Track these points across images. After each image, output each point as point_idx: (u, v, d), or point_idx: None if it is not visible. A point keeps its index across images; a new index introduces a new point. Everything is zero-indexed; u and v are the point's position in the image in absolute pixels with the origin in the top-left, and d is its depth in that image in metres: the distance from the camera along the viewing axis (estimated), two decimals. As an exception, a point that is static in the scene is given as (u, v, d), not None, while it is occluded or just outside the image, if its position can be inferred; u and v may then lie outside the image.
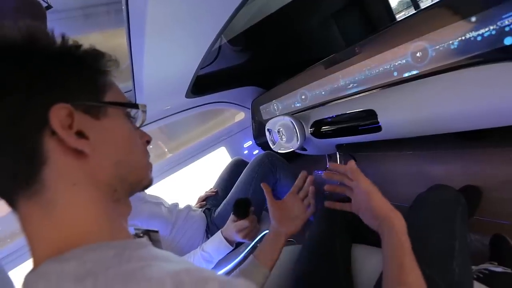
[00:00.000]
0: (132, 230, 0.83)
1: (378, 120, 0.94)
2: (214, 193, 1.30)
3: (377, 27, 2.08)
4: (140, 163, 0.40)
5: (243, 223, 0.81)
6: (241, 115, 1.72)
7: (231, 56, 1.58)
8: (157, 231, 0.43)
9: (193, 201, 1.33)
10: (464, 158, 1.07)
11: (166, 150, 1.63)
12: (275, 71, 1.66)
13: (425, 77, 0.83)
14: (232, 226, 0.83)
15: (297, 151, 1.48)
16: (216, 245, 0.84)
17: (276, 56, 1.70)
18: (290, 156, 1.64)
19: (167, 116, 1.39)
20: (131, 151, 0.38)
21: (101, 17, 0.99)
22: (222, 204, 1.13)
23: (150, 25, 0.62)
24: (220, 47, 1.50)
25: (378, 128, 0.95)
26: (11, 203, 0.31)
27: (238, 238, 0.82)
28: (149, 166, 0.42)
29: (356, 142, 1.19)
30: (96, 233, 0.32)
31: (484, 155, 1.03)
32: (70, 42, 0.35)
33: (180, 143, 1.63)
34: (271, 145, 1.46)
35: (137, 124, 0.42)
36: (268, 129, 1.44)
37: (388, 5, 2.07)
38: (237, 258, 0.92)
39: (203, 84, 1.40)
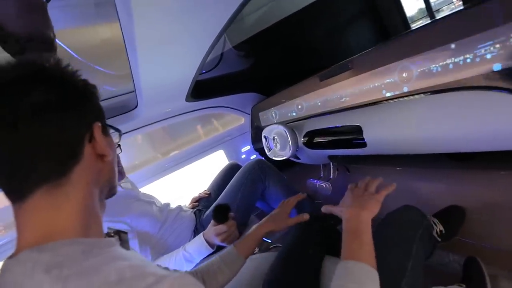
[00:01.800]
0: (105, 229, 0.90)
1: (363, 136, 0.96)
2: (207, 195, 1.35)
3: (382, 38, 2.09)
4: (115, 171, 0.48)
5: (222, 227, 0.85)
6: (241, 120, 1.76)
7: (234, 61, 1.63)
8: (126, 232, 0.48)
9: (187, 201, 1.38)
10: (451, 178, 1.08)
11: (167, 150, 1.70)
12: (276, 79, 1.70)
13: (410, 96, 0.85)
14: (212, 230, 0.87)
15: (292, 159, 1.52)
16: (198, 246, 0.89)
17: (279, 63, 1.73)
18: (287, 164, 1.67)
19: (168, 118, 1.45)
20: (115, 162, 0.47)
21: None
22: (211, 207, 1.17)
23: (141, 42, 0.68)
24: (222, 53, 1.55)
25: (364, 144, 0.97)
26: (25, 193, 0.35)
27: (217, 241, 0.86)
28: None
29: (348, 155, 1.21)
30: (77, 228, 0.36)
31: (470, 176, 1.03)
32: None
33: (180, 144, 1.68)
34: (266, 151, 1.50)
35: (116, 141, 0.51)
36: (264, 136, 1.48)
37: (401, 15, 2.07)
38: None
39: (203, 89, 1.46)
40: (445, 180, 1.10)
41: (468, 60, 0.68)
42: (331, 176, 1.48)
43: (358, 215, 0.58)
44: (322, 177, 1.55)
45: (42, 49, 0.70)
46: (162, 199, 1.23)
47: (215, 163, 1.68)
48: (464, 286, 0.73)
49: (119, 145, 1.07)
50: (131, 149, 1.54)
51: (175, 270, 0.58)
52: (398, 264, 0.55)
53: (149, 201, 1.10)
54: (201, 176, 1.60)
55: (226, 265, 0.69)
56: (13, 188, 0.35)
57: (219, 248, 0.94)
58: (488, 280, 0.74)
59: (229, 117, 1.80)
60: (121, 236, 0.47)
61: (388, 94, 0.90)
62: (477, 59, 0.66)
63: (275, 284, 0.70)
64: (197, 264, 0.93)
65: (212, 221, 0.88)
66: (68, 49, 1.11)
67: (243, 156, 1.78)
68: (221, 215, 0.85)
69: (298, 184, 1.79)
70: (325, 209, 0.74)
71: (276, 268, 0.76)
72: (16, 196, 0.35)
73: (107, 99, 1.34)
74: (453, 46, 0.70)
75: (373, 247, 0.53)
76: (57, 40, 1.00)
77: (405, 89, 0.84)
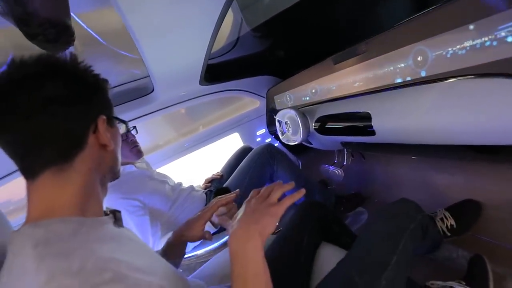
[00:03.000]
0: (118, 206, 0.98)
1: (372, 123, 0.92)
2: (219, 177, 1.40)
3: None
4: (119, 161, 0.53)
5: (221, 209, 0.89)
6: (256, 103, 1.76)
7: (250, 44, 1.60)
8: (119, 211, 0.53)
9: (201, 182, 1.45)
10: (470, 171, 1.00)
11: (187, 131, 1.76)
12: (293, 61, 1.65)
13: (425, 84, 0.79)
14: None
15: (305, 144, 1.50)
16: (202, 225, 0.95)
17: (297, 45, 1.67)
18: (302, 148, 1.66)
19: (184, 101, 1.49)
20: (119, 150, 0.52)
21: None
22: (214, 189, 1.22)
23: (142, 31, 0.70)
24: (239, 37, 1.53)
25: (372, 132, 0.93)
26: (35, 172, 0.40)
27: (217, 221, 0.91)
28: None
29: (361, 142, 1.17)
30: (74, 208, 0.41)
31: (492, 171, 0.95)
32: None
33: (197, 126, 1.74)
34: (280, 135, 1.49)
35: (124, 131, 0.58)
36: (278, 120, 1.47)
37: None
38: (222, 239, 1.03)
39: (217, 73, 1.47)
40: (464, 173, 1.03)
41: (488, 43, 0.62)
42: (345, 163, 1.44)
43: (245, 247, 0.44)
44: (336, 163, 1.52)
45: (61, 36, 0.75)
46: (177, 179, 1.30)
47: (230, 145, 1.71)
48: (463, 283, 0.70)
49: (134, 127, 1.15)
50: (150, 130, 1.63)
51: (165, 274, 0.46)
52: (382, 257, 0.55)
53: (163, 180, 1.17)
54: (216, 158, 1.65)
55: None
56: (25, 167, 0.41)
57: (222, 228, 0.99)
58: (491, 279, 0.71)
59: (245, 100, 1.80)
60: (116, 215, 0.52)
61: (399, 80, 0.84)
62: (495, 42, 0.59)
63: (270, 264, 0.73)
64: (199, 244, 1.00)
65: (213, 203, 0.92)
66: (95, 35, 1.17)
67: (258, 139, 1.79)
68: (220, 198, 0.89)
69: (312, 169, 1.79)
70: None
71: (268, 252, 0.79)
72: (29, 175, 0.41)
73: (127, 83, 1.41)
74: (471, 27, 0.64)
75: (264, 277, 0.44)
76: (84, 26, 1.05)
77: (421, 74, 0.78)
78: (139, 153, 1.13)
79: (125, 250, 0.41)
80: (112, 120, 0.49)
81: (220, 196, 0.74)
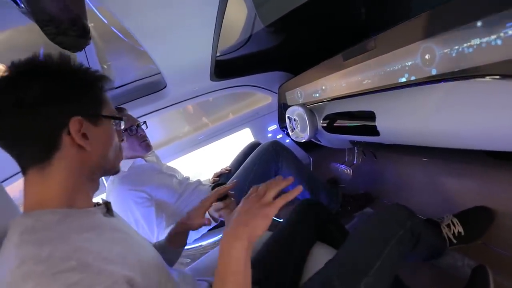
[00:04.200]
0: (129, 196, 1.02)
1: (376, 123, 0.89)
2: (227, 171, 1.43)
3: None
4: (115, 156, 0.54)
5: (219, 204, 0.91)
6: (268, 99, 1.76)
7: (262, 39, 1.59)
8: (109, 202, 0.57)
9: (210, 176, 1.49)
10: (484, 176, 0.93)
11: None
12: (306, 57, 1.62)
13: (432, 83, 0.75)
14: (212, 206, 0.95)
15: (314, 141, 1.48)
16: (203, 218, 0.98)
17: (310, 40, 1.63)
18: (314, 145, 1.64)
19: (196, 97, 1.53)
20: (111, 148, 0.52)
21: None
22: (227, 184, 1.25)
23: (143, 31, 0.73)
24: (251, 34, 1.53)
25: (376, 132, 0.90)
26: (24, 171, 0.45)
27: (217, 216, 0.94)
28: (120, 159, 0.57)
29: (370, 141, 1.14)
30: (61, 200, 0.45)
31: (509, 177, 0.88)
32: (83, 67, 0.49)
33: (209, 121, 1.78)
34: (290, 132, 1.49)
35: (121, 127, 0.57)
36: (288, 117, 1.46)
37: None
38: (221, 233, 1.05)
39: (228, 68, 1.48)
40: (479, 178, 0.96)
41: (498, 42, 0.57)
42: (355, 162, 1.41)
43: (230, 247, 0.45)
44: (346, 161, 1.49)
45: (77, 35, 0.80)
46: (187, 173, 1.35)
47: (241, 141, 1.73)
48: (461, 294, 0.67)
49: (145, 122, 1.19)
50: (162, 125, 1.69)
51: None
52: (365, 262, 0.54)
53: (171, 174, 1.22)
54: (226, 153, 1.68)
55: (165, 252, 0.68)
56: (18, 164, 0.45)
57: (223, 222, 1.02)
58: (492, 292, 0.67)
59: (258, 96, 1.80)
60: (108, 205, 0.56)
61: (403, 79, 0.81)
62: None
63: (257, 263, 0.75)
64: (202, 236, 1.03)
65: (214, 198, 0.95)
66: (116, 31, 1.22)
67: (269, 135, 1.80)
68: (219, 193, 0.91)
69: (323, 167, 1.76)
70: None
71: (263, 247, 0.80)
72: (21, 171, 0.45)
73: (142, 78, 1.47)
74: (479, 23, 0.59)
75: (242, 277, 0.44)
76: (106, 21, 1.11)
77: (429, 73, 0.74)
78: (148, 147, 1.17)
79: (102, 239, 0.43)
80: (98, 119, 0.49)
81: (218, 188, 0.76)
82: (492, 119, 0.63)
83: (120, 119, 0.55)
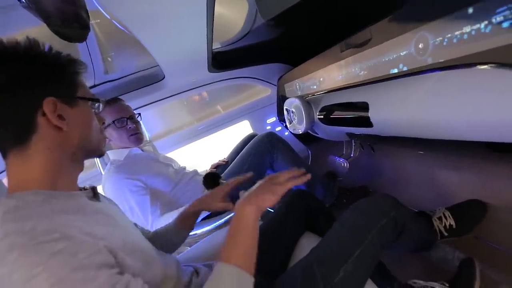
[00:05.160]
0: (127, 185, 1.04)
1: (369, 114, 0.88)
2: (224, 163, 1.44)
3: None
4: (97, 138, 0.55)
5: None
6: (268, 91, 1.75)
7: (262, 31, 1.58)
8: (95, 187, 0.58)
9: (208, 167, 1.50)
10: (481, 169, 0.92)
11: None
12: (305, 48, 1.60)
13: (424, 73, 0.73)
14: (204, 195, 0.96)
15: (312, 133, 1.48)
16: (195, 207, 1.00)
17: (310, 32, 1.61)
18: (312, 138, 1.63)
19: (194, 88, 1.53)
20: (91, 130, 0.54)
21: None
22: (223, 175, 1.26)
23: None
24: (251, 26, 1.51)
25: (370, 123, 0.90)
26: (4, 155, 0.47)
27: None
28: (104, 141, 0.59)
29: (367, 133, 1.13)
30: (45, 181, 0.46)
31: (505, 170, 0.86)
32: (54, 51, 0.50)
33: (207, 114, 1.78)
34: (287, 124, 1.48)
35: (100, 110, 0.57)
36: (286, 109, 1.46)
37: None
38: (216, 222, 1.07)
39: (227, 60, 1.48)
40: (475, 171, 0.95)
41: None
42: (352, 155, 1.40)
43: (242, 209, 0.52)
44: (344, 154, 1.47)
45: (77, 26, 0.81)
46: (185, 164, 1.36)
47: (239, 133, 1.74)
48: (447, 285, 0.67)
49: (139, 114, 1.19)
50: (161, 116, 1.70)
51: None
52: (345, 249, 0.54)
53: (167, 163, 1.24)
54: (225, 144, 1.69)
55: (173, 234, 0.74)
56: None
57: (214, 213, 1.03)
58: (477, 286, 0.67)
59: (257, 88, 1.80)
60: (94, 189, 0.57)
61: (395, 70, 0.79)
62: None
63: None
64: (196, 224, 1.05)
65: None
66: (117, 24, 1.23)
67: (268, 127, 1.79)
68: (210, 182, 0.92)
69: (321, 159, 1.75)
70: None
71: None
72: (2, 155, 0.47)
73: (141, 70, 1.48)
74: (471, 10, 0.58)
75: (253, 245, 0.50)
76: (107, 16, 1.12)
77: (424, 62, 0.72)
78: (137, 141, 1.16)
79: (85, 220, 0.44)
80: (73, 100, 0.50)
81: (238, 177, 0.78)
82: (485, 108, 0.62)
83: (97, 101, 0.55)
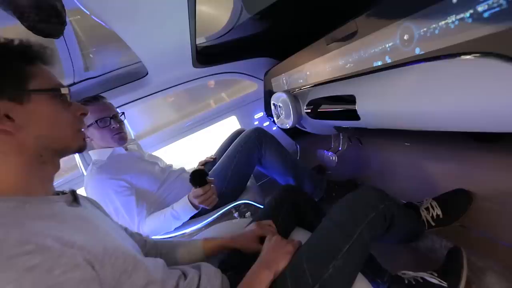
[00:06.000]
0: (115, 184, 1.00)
1: (356, 107, 0.87)
2: (212, 160, 1.41)
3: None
4: (64, 134, 0.49)
5: (198, 191, 0.91)
6: (254, 86, 1.73)
7: (247, 25, 1.55)
8: (75, 190, 0.55)
9: (196, 165, 1.47)
10: (466, 160, 0.93)
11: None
12: (292, 42, 1.58)
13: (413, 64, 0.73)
14: (191, 193, 0.94)
15: (300, 128, 1.47)
16: (183, 206, 0.96)
17: (296, 24, 1.59)
18: (300, 133, 1.63)
19: (179, 84, 1.49)
20: (54, 126, 0.47)
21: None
22: (211, 171, 1.24)
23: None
24: (238, 19, 1.48)
25: (357, 116, 0.89)
26: None
27: (197, 203, 0.93)
28: (77, 135, 0.52)
29: (354, 126, 1.13)
30: (14, 188, 0.43)
31: (489, 160, 0.88)
32: (1, 40, 0.45)
33: (193, 110, 1.75)
34: (275, 119, 1.47)
35: (69, 98, 0.51)
36: (273, 104, 1.44)
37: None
38: (205, 220, 1.05)
39: (212, 55, 1.44)
40: (460, 162, 0.96)
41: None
42: (340, 148, 1.40)
43: (259, 272, 0.55)
44: (332, 148, 1.48)
45: (52, 21, 0.76)
46: (172, 162, 1.33)
47: (227, 129, 1.71)
48: (435, 275, 0.68)
49: (123, 113, 1.15)
50: (146, 114, 1.66)
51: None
52: (334, 245, 0.54)
53: (153, 162, 1.20)
54: (212, 141, 1.66)
55: (189, 254, 0.71)
56: None
57: (203, 210, 1.01)
58: (464, 274, 0.68)
59: (244, 83, 1.77)
60: (75, 194, 0.54)
61: (379, 63, 0.79)
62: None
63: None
64: (184, 223, 1.03)
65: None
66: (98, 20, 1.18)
67: (256, 122, 1.77)
68: (196, 179, 0.90)
69: (310, 154, 1.75)
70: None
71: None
72: None
73: (124, 67, 1.43)
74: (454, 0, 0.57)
75: None
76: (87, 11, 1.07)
77: (409, 54, 0.72)
78: (121, 141, 1.12)
79: (63, 227, 0.41)
80: (22, 96, 0.43)
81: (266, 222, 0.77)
82: (469, 98, 0.62)
83: (57, 90, 0.48)
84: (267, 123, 1.79)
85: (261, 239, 0.69)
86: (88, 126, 1.06)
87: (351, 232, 0.54)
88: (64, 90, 0.49)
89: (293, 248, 0.59)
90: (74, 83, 1.31)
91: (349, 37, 0.91)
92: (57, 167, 0.51)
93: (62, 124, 0.49)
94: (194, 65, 1.38)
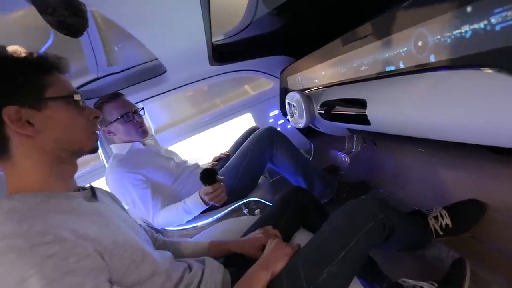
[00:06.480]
0: (131, 178, 1.07)
1: (366, 112, 0.87)
2: (226, 156, 1.45)
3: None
4: (79, 136, 0.54)
5: (207, 188, 0.95)
6: (270, 84, 1.74)
7: (264, 23, 1.55)
8: (95, 188, 0.60)
9: (210, 160, 1.52)
10: (482, 170, 0.90)
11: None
12: (309, 41, 1.56)
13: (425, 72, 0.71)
14: (201, 190, 0.98)
15: (314, 127, 1.47)
16: (194, 202, 1.01)
17: (314, 23, 1.57)
18: (315, 132, 1.62)
19: (196, 81, 1.53)
20: (69, 129, 0.52)
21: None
22: (223, 168, 1.28)
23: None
24: (253, 17, 1.48)
25: (367, 121, 0.89)
26: None
27: (206, 199, 0.97)
28: (91, 137, 0.56)
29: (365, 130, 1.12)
30: (39, 185, 0.49)
31: (506, 172, 0.84)
32: (23, 54, 0.49)
33: (209, 107, 1.79)
34: (289, 118, 1.48)
35: (83, 104, 0.55)
36: (288, 102, 1.45)
37: None
38: (217, 214, 1.10)
39: (228, 53, 1.47)
40: (476, 172, 0.93)
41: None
42: (353, 150, 1.39)
43: (257, 273, 0.58)
44: (345, 149, 1.47)
45: (74, 19, 0.82)
46: (187, 157, 1.39)
47: (242, 126, 1.74)
48: (436, 285, 0.68)
49: (142, 108, 1.21)
50: (164, 109, 1.72)
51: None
52: (330, 251, 0.55)
53: (169, 157, 1.26)
54: (227, 137, 1.70)
55: (194, 254, 0.75)
56: None
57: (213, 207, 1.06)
58: (467, 286, 0.67)
59: (260, 80, 1.79)
60: (94, 189, 0.59)
61: (391, 68, 0.78)
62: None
63: None
64: (195, 217, 1.08)
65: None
66: None
67: (271, 120, 1.79)
68: (206, 178, 0.94)
69: (323, 153, 1.75)
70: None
71: (250, 228, 0.83)
72: None
73: (144, 63, 1.49)
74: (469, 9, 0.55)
75: None
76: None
77: (423, 61, 0.70)
78: (143, 134, 1.19)
79: (79, 220, 0.46)
80: (40, 103, 0.48)
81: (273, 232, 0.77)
82: (483, 112, 0.60)
83: (70, 97, 0.52)
84: (282, 120, 1.80)
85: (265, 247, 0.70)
86: (113, 122, 1.12)
87: (348, 239, 0.56)
88: (77, 97, 0.54)
89: (292, 250, 0.61)
90: (98, 78, 1.38)
91: (364, 39, 0.90)
92: (75, 166, 0.56)
93: (77, 127, 0.53)
94: (211, 63, 1.41)
